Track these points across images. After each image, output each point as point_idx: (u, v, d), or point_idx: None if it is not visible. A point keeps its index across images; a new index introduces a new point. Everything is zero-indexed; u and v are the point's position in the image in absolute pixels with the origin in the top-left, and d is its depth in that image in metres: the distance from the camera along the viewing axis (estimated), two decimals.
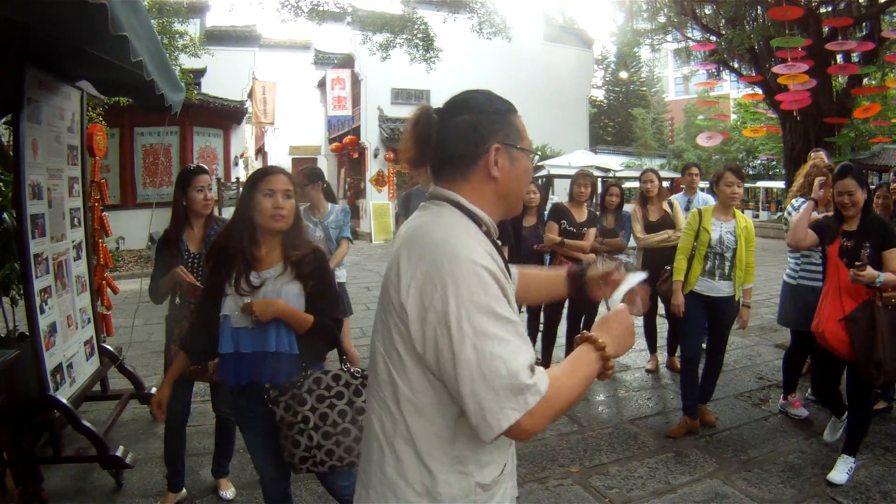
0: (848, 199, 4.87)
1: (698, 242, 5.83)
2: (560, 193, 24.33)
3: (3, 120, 5.97)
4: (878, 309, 4.66)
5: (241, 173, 23.52)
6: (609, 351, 1.75)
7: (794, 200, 6.33)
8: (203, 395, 5.05)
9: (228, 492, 4.80)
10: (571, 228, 7.05)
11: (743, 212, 6.08)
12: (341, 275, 6.24)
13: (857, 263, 4.68)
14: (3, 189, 5.62)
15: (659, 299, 6.95)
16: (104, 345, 6.15)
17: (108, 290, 6.74)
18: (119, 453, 4.77)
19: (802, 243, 5.20)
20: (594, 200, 9.10)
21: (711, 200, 8.70)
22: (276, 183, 3.18)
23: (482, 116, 1.85)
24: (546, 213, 7.71)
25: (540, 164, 26.05)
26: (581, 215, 7.20)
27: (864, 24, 18.13)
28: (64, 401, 4.72)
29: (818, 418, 6.14)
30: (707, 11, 20.88)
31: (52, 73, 5.05)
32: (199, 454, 5.27)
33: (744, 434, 5.82)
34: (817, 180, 5.68)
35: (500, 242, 1.93)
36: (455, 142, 1.84)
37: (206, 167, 4.75)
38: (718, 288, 5.81)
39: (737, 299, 5.84)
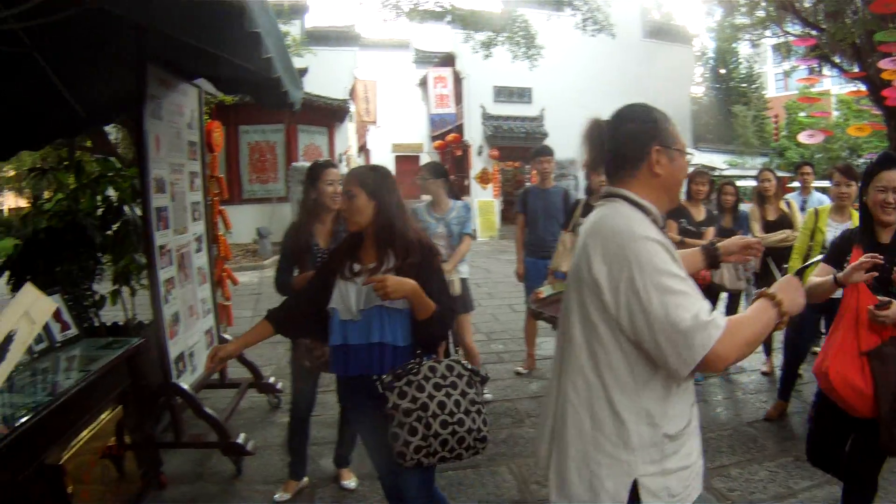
0: (893, 198, 3.56)
1: (813, 243, 5.71)
2: None
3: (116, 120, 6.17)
4: None
5: (345, 171, 23.87)
6: (784, 306, 2.11)
7: None
8: (327, 386, 5.12)
9: (350, 482, 4.84)
10: (690, 227, 6.91)
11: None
12: (464, 270, 6.18)
13: (879, 300, 3.39)
14: (122, 184, 5.81)
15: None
16: (224, 335, 6.33)
17: (228, 281, 6.90)
18: (241, 440, 4.89)
19: None
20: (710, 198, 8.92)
21: (826, 200, 8.45)
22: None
23: (642, 125, 2.26)
24: None
25: None
26: (699, 214, 7.07)
27: None
28: (187, 388, 4.87)
29: None
30: (806, 5, 20.19)
31: (171, 71, 5.21)
32: (319, 443, 5.33)
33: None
34: None
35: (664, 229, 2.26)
36: (623, 147, 2.27)
37: (334, 162, 4.78)
38: None
39: None
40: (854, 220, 5.52)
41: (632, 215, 2.13)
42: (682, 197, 7.65)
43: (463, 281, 6.13)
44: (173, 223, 5.11)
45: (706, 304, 1.98)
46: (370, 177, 3.20)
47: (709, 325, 1.90)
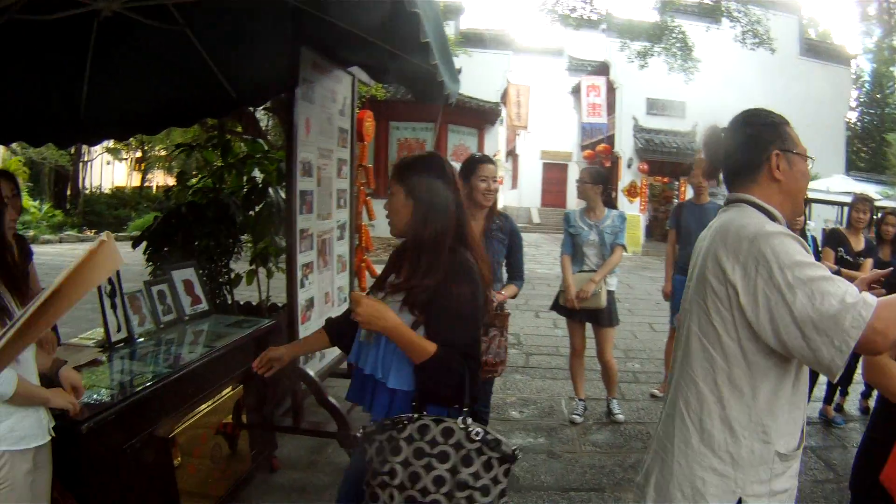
0: None
1: None
2: (816, 220, 22.91)
3: (263, 107, 6.22)
4: None
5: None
6: None
7: None
8: None
9: None
10: (848, 257, 6.50)
11: None
12: (612, 283, 6.01)
13: None
14: (268, 166, 5.85)
15: None
16: None
17: (367, 272, 6.90)
18: (360, 434, 4.83)
19: None
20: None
21: None
22: None
23: (762, 129, 2.22)
24: (809, 235, 7.14)
25: None
26: (858, 243, 6.64)
27: None
28: (312, 374, 4.84)
29: None
30: None
31: (326, 56, 5.20)
32: None
33: None
34: None
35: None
36: (742, 152, 2.24)
37: (491, 157, 4.69)
38: None
39: None
40: None
41: (756, 216, 2.12)
42: (822, 226, 7.24)
43: (610, 293, 5.93)
44: (317, 208, 5.10)
45: (851, 286, 1.88)
46: (414, 169, 2.71)
47: (857, 304, 1.81)
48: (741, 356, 2.04)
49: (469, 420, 2.40)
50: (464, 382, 2.50)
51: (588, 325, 6.13)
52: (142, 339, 3.95)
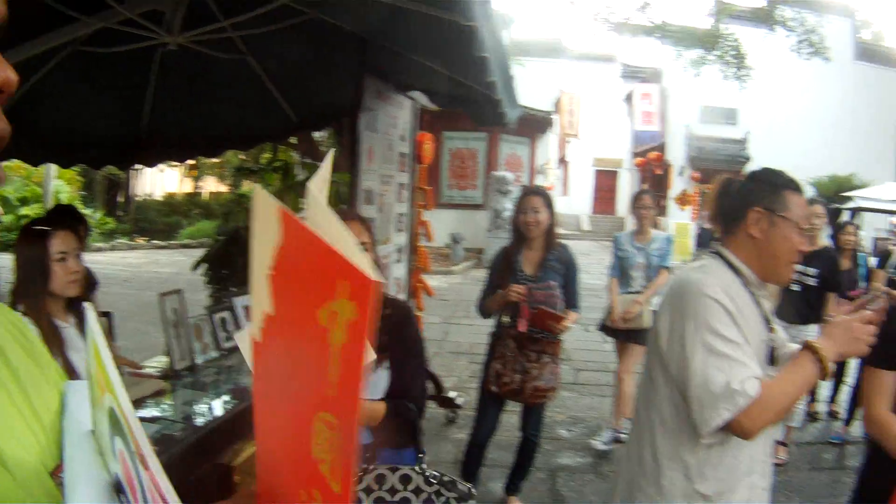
0: None
1: None
2: (868, 229, 22.48)
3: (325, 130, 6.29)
4: None
5: (543, 182, 23.81)
6: (827, 354, 2.04)
7: None
8: (510, 409, 5.04)
9: None
10: None
11: None
12: (656, 303, 6.00)
13: None
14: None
15: None
16: None
17: (423, 292, 6.94)
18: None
19: None
20: None
21: None
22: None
23: (756, 185, 2.28)
24: (862, 255, 7.04)
25: (846, 195, 24.27)
26: None
27: None
28: None
29: None
30: None
31: (389, 83, 5.24)
32: (492, 466, 5.21)
33: None
34: None
35: (764, 293, 2.34)
36: (729, 202, 2.34)
37: (541, 189, 4.75)
38: None
39: None
40: None
41: (717, 274, 2.23)
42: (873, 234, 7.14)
43: (654, 313, 5.87)
44: (379, 235, 5.14)
45: (748, 371, 2.02)
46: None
47: (737, 394, 1.97)
48: (668, 393, 2.22)
49: (423, 465, 2.49)
50: (417, 427, 2.66)
51: None
52: (205, 367, 4.02)
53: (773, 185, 2.25)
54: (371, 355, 0.86)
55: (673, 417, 2.21)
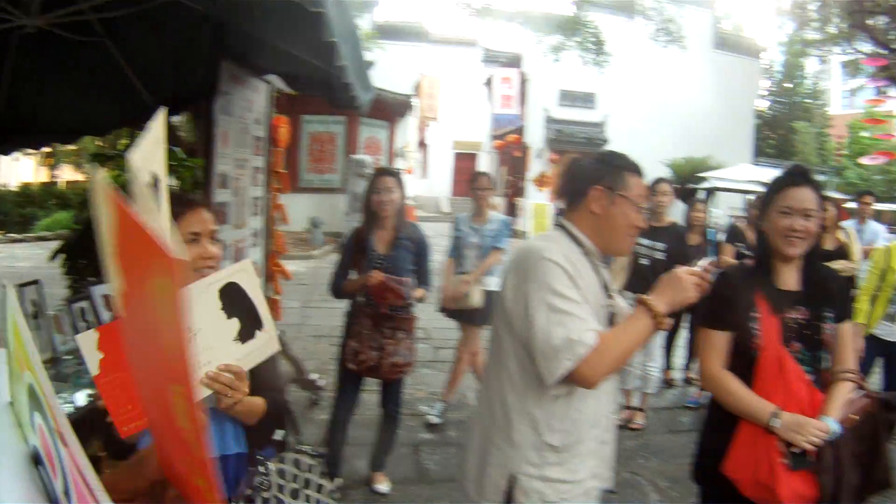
0: (801, 225, 2.67)
1: (884, 283, 5.43)
2: (722, 208, 23.57)
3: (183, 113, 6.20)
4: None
5: (402, 165, 23.87)
6: (657, 308, 2.21)
7: None
8: (368, 387, 5.11)
9: (383, 485, 4.86)
10: (747, 252, 6.70)
11: None
12: (492, 283, 6.04)
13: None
14: (184, 173, 5.86)
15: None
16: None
17: (280, 275, 6.92)
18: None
19: None
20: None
21: (882, 230, 8.38)
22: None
23: (598, 166, 2.47)
24: (711, 230, 7.41)
25: (701, 175, 25.35)
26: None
27: None
28: None
29: None
30: (881, 24, 19.78)
31: (244, 67, 5.21)
32: (356, 444, 5.22)
33: None
34: None
35: (603, 263, 2.55)
36: (573, 180, 2.52)
37: (393, 169, 4.82)
38: None
39: None
40: None
41: (559, 242, 2.41)
42: (727, 213, 7.49)
43: (493, 293, 5.93)
44: (233, 219, 5.14)
45: (586, 324, 2.19)
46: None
47: (576, 344, 2.13)
48: (513, 351, 2.36)
49: (295, 440, 2.60)
50: (293, 417, 2.72)
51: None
52: (68, 358, 3.93)
53: (614, 165, 2.44)
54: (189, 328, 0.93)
55: (519, 374, 2.35)
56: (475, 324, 6.10)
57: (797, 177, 2.75)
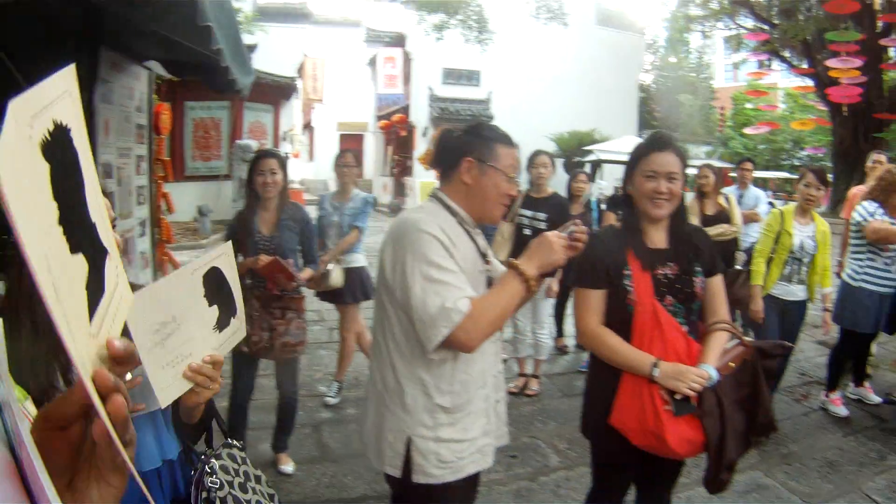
0: (665, 187, 2.79)
1: (778, 246, 5.64)
2: (608, 179, 24.12)
3: None
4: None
5: (288, 149, 23.64)
6: (527, 270, 2.34)
7: (865, 203, 5.98)
8: (264, 370, 5.11)
9: (288, 466, 4.89)
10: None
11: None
12: (359, 259, 6.16)
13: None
14: None
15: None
16: None
17: (169, 264, 6.84)
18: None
19: None
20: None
21: (763, 196, 8.72)
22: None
23: (469, 138, 2.54)
24: (594, 200, 7.59)
25: (587, 148, 25.88)
26: None
27: None
28: None
29: (856, 416, 6.16)
30: (762, 0, 20.55)
31: (124, 54, 5.13)
32: (257, 428, 5.27)
33: (785, 429, 5.72)
34: None
35: (477, 230, 2.64)
36: (445, 152, 2.59)
37: (275, 151, 4.80)
38: (793, 292, 5.70)
39: (812, 301, 5.80)
40: (818, 224, 5.65)
41: (434, 213, 2.51)
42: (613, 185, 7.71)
43: (356, 270, 6.07)
44: (118, 209, 5.06)
45: (461, 292, 2.29)
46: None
47: (451, 311, 2.24)
48: (398, 318, 2.45)
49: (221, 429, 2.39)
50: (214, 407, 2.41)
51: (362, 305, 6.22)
52: None
53: (485, 137, 2.53)
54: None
55: (405, 341, 2.44)
56: (347, 303, 6.11)
57: (660, 142, 2.86)
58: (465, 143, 2.54)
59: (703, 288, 2.88)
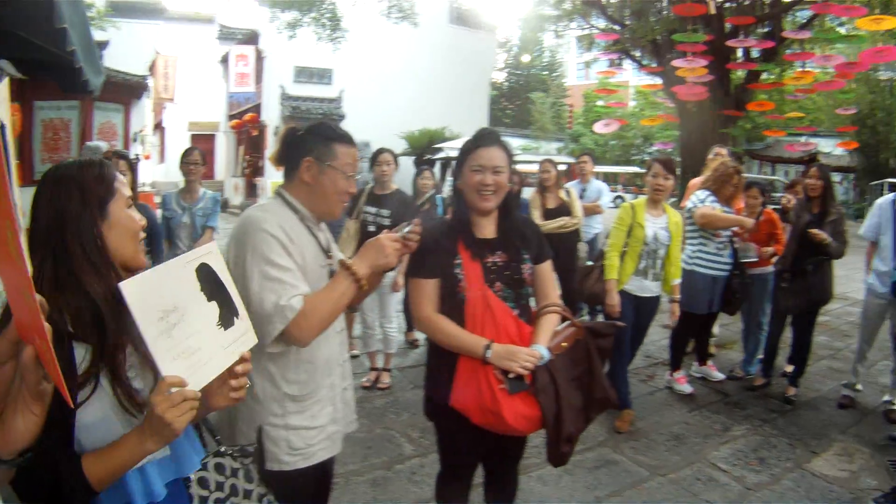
0: (492, 180, 2.97)
1: (631, 239, 5.62)
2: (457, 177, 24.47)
3: None
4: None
5: (139, 149, 23.08)
6: (357, 270, 2.48)
7: (699, 192, 6.36)
8: None
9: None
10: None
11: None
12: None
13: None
14: None
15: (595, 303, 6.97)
16: None
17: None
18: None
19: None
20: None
21: (605, 189, 9.09)
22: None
23: (308, 138, 2.64)
24: (439, 196, 7.73)
25: (437, 146, 26.27)
26: None
27: (765, 22, 18.38)
28: None
29: (701, 393, 6.62)
30: (613, 1, 21.26)
31: None
32: None
33: (632, 407, 5.97)
34: None
35: (320, 227, 2.79)
36: (288, 151, 2.69)
37: (123, 152, 4.78)
38: (648, 288, 5.73)
39: (667, 293, 5.90)
40: (670, 215, 5.71)
41: (272, 210, 2.62)
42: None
43: None
44: None
45: (296, 290, 2.43)
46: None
47: (284, 309, 2.37)
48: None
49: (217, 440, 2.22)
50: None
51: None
52: None
53: (324, 137, 2.64)
54: None
55: None
56: None
57: (486, 138, 3.03)
58: (306, 142, 2.64)
59: (531, 274, 3.11)
